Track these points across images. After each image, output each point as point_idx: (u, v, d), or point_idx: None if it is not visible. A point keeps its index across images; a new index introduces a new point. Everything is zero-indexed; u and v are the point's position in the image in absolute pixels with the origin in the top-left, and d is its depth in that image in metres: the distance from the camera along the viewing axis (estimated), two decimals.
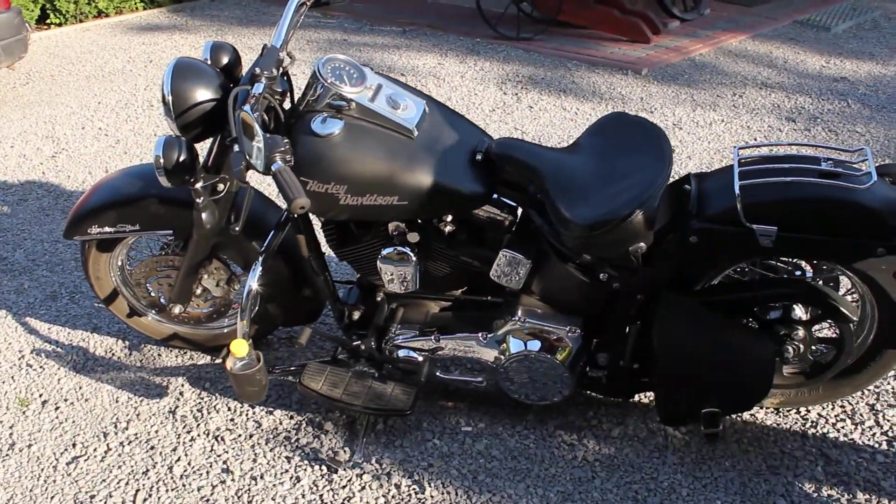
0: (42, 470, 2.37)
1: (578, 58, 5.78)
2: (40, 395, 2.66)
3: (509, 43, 6.14)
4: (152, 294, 2.65)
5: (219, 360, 2.76)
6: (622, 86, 5.29)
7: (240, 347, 2.15)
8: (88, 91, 5.61)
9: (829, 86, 5.09)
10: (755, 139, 4.40)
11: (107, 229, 2.47)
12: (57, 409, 2.60)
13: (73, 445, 2.44)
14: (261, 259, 2.24)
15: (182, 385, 2.66)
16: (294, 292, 2.53)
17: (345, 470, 2.28)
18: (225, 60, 2.29)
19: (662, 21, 6.33)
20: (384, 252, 2.20)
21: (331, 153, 2.04)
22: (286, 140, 1.82)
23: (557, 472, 2.25)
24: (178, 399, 2.60)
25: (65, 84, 5.77)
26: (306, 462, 2.32)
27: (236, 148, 1.83)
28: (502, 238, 2.21)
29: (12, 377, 2.75)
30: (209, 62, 2.26)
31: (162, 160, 2.07)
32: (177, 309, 2.57)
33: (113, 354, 2.84)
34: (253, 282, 2.23)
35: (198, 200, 2.21)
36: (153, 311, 2.73)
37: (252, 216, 2.42)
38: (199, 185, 2.18)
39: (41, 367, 2.79)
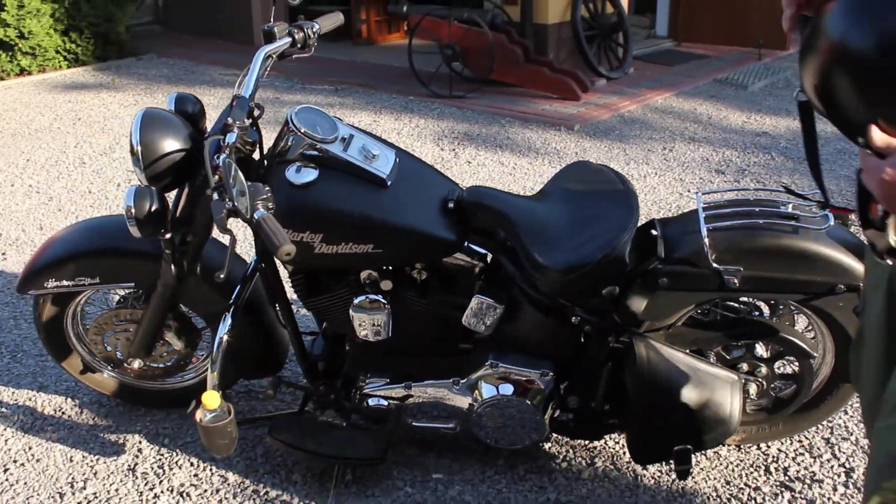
0: None
1: (511, 114, 5.93)
2: None
3: (442, 101, 6.27)
4: (108, 349, 2.59)
5: (170, 416, 2.70)
6: (556, 141, 5.43)
7: (211, 399, 2.12)
8: (15, 148, 5.49)
9: (752, 140, 5.33)
10: (688, 191, 4.56)
11: (64, 283, 2.42)
12: (6, 471, 2.50)
13: None
14: (231, 310, 2.23)
15: (139, 442, 2.59)
16: (257, 344, 2.51)
17: None
18: (190, 111, 2.29)
19: (590, 79, 6.56)
20: (356, 301, 2.21)
21: (306, 202, 2.05)
22: (267, 188, 1.83)
23: None
24: (137, 456, 2.53)
25: None
26: None
27: (215, 196, 1.82)
28: (473, 284, 2.24)
29: None
30: (174, 113, 2.25)
31: (133, 210, 2.04)
32: (136, 363, 2.52)
33: (63, 413, 2.75)
34: (224, 333, 2.21)
35: (167, 251, 2.19)
36: (109, 367, 2.66)
37: (213, 266, 2.40)
38: (168, 236, 2.16)
39: None
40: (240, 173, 1.77)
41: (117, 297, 2.61)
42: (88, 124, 5.97)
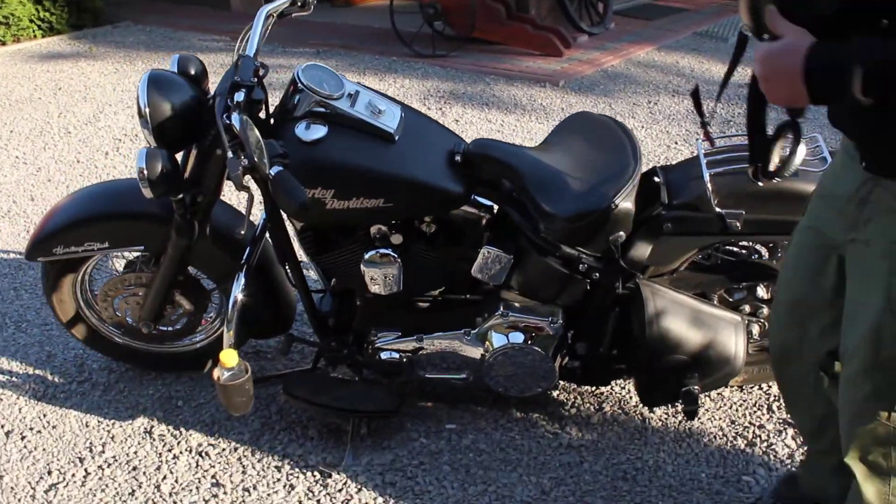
0: (19, 500, 2.30)
1: (496, 72, 5.93)
2: (2, 427, 2.58)
3: (425, 60, 6.25)
4: (118, 314, 2.61)
5: (181, 379, 2.73)
6: (542, 97, 5.45)
7: (229, 358, 2.15)
8: None
9: (735, 91, 5.36)
10: (675, 143, 4.61)
11: (73, 248, 2.43)
12: (23, 438, 2.52)
13: (49, 473, 2.38)
14: (244, 269, 2.26)
15: (153, 405, 2.63)
16: (267, 303, 2.54)
17: (338, 474, 2.30)
18: (193, 72, 2.29)
19: (572, 35, 6.55)
20: (367, 255, 2.24)
21: (317, 159, 2.07)
22: (281, 143, 1.86)
23: (546, 459, 2.33)
24: (152, 419, 2.57)
25: None
26: (297, 469, 2.33)
27: (230, 155, 1.85)
28: (481, 236, 2.27)
29: None
30: (178, 74, 2.26)
31: (146, 171, 2.06)
32: (146, 327, 2.54)
33: (73, 380, 2.78)
34: (238, 292, 2.24)
35: (178, 212, 2.21)
36: (119, 332, 2.68)
37: (221, 227, 2.43)
38: (179, 197, 2.18)
39: None
40: (256, 131, 1.79)
41: (125, 262, 2.62)
42: (69, 94, 5.90)
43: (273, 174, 1.75)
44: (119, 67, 6.52)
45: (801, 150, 1.49)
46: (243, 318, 2.40)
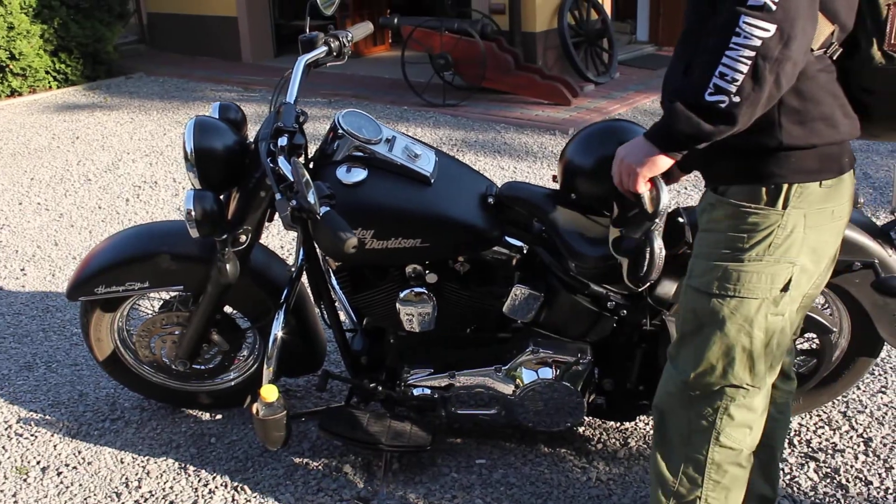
0: None
1: (506, 121, 6.08)
2: (38, 463, 2.64)
3: (437, 109, 6.40)
4: (154, 353, 2.68)
5: (214, 417, 2.80)
6: (552, 145, 5.59)
7: (270, 392, 2.23)
8: (17, 168, 5.55)
9: None
10: (685, 188, 4.72)
11: (114, 288, 2.51)
12: (59, 474, 2.58)
13: None
14: (283, 307, 2.34)
15: (186, 442, 2.69)
16: (299, 342, 2.61)
17: None
18: (232, 118, 2.41)
19: (579, 85, 6.72)
20: (403, 294, 2.32)
21: (357, 201, 2.17)
22: (328, 185, 1.95)
23: (575, 492, 2.39)
24: (186, 455, 2.63)
25: None
26: (332, 502, 2.38)
27: (278, 196, 1.94)
28: (512, 275, 2.36)
29: (3, 447, 2.71)
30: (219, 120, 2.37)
31: (193, 212, 2.15)
32: (182, 365, 2.61)
33: (106, 418, 2.84)
34: (278, 329, 2.32)
35: (221, 252, 2.30)
36: (154, 371, 2.75)
37: (259, 267, 2.52)
38: (224, 237, 2.27)
39: (32, 435, 2.77)
40: (307, 173, 1.88)
41: (161, 303, 2.70)
42: (87, 142, 6.04)
43: (322, 213, 1.84)
44: (134, 117, 6.66)
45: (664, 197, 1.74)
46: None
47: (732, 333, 1.69)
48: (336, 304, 2.47)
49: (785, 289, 1.67)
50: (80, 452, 2.68)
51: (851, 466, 2.44)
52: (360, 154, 2.23)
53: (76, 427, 2.81)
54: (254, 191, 2.27)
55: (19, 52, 7.30)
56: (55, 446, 2.71)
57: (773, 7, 1.39)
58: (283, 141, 2.12)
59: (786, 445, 2.54)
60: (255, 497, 2.43)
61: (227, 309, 2.63)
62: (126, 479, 2.54)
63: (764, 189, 1.61)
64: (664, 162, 1.62)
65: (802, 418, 2.65)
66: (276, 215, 2.38)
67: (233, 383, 2.75)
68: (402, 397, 2.47)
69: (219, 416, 2.80)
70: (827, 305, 2.48)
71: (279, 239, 4.09)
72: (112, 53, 8.12)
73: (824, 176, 1.62)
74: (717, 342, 1.71)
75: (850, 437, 2.57)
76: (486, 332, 2.46)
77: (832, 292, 2.39)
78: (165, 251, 2.49)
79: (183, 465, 2.59)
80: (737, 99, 1.44)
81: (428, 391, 2.45)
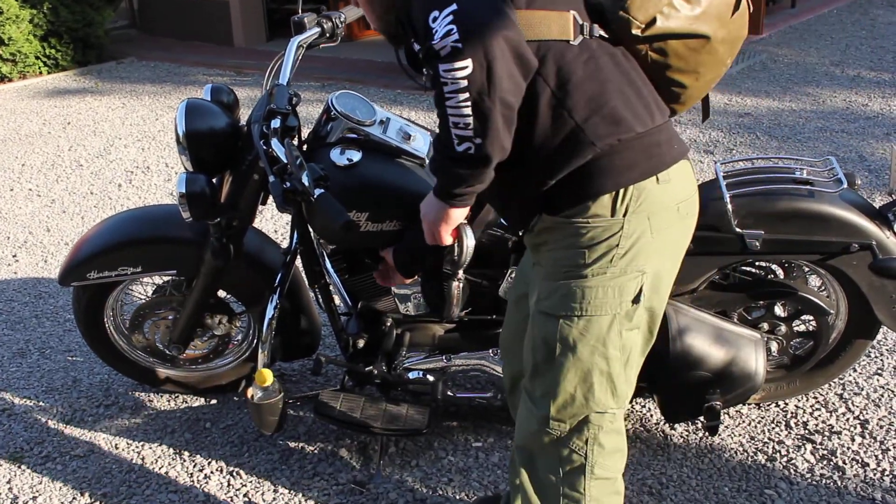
0: None
1: None
2: (32, 449, 2.62)
3: (431, 93, 6.35)
4: (147, 338, 2.67)
5: (208, 402, 2.79)
6: None
7: (265, 377, 2.21)
8: (7, 154, 5.52)
9: (736, 121, 5.49)
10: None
11: (106, 273, 2.49)
12: (54, 460, 2.57)
13: (81, 494, 2.42)
14: (278, 291, 2.32)
15: (181, 427, 2.68)
16: (294, 326, 2.60)
17: (369, 491, 2.35)
18: (225, 101, 2.38)
19: None
20: None
21: (351, 183, 2.15)
22: (322, 166, 1.93)
23: None
24: (181, 439, 2.62)
25: None
26: (329, 486, 2.38)
27: (272, 178, 1.92)
28: (508, 258, 2.35)
29: None
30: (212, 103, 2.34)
31: (186, 195, 2.13)
32: (176, 350, 2.60)
33: (100, 403, 2.83)
34: (272, 313, 2.30)
35: (215, 235, 2.28)
36: (147, 356, 2.73)
37: (253, 250, 2.50)
38: (217, 220, 2.25)
39: (26, 421, 2.75)
40: (301, 156, 1.86)
41: (154, 287, 2.69)
42: (79, 128, 6.00)
43: (317, 195, 1.81)
44: (126, 102, 6.62)
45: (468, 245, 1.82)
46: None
47: (586, 356, 1.63)
48: (330, 287, 2.46)
49: (636, 300, 1.62)
50: (74, 438, 2.67)
51: (848, 448, 2.44)
52: (354, 136, 2.21)
53: (70, 413, 2.79)
54: (247, 173, 2.25)
55: (8, 37, 7.24)
56: (49, 433, 2.70)
57: (461, 45, 1.39)
58: (276, 123, 2.09)
59: (782, 428, 2.54)
60: (250, 482, 2.42)
61: (221, 293, 2.62)
62: (121, 464, 2.53)
63: (597, 201, 1.56)
64: (457, 213, 1.66)
65: (799, 400, 2.64)
66: (270, 198, 2.38)
67: (227, 368, 2.74)
68: (398, 381, 2.46)
69: (213, 401, 2.79)
70: (824, 287, 2.47)
71: (272, 223, 4.07)
72: (103, 38, 8.05)
73: (655, 169, 1.58)
74: (571, 369, 1.64)
75: (847, 420, 2.56)
76: (483, 315, 2.45)
77: (829, 274, 2.38)
78: (158, 235, 2.48)
79: (178, 451, 2.58)
80: (479, 140, 1.46)
81: (424, 374, 2.45)
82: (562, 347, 1.65)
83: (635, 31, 1.59)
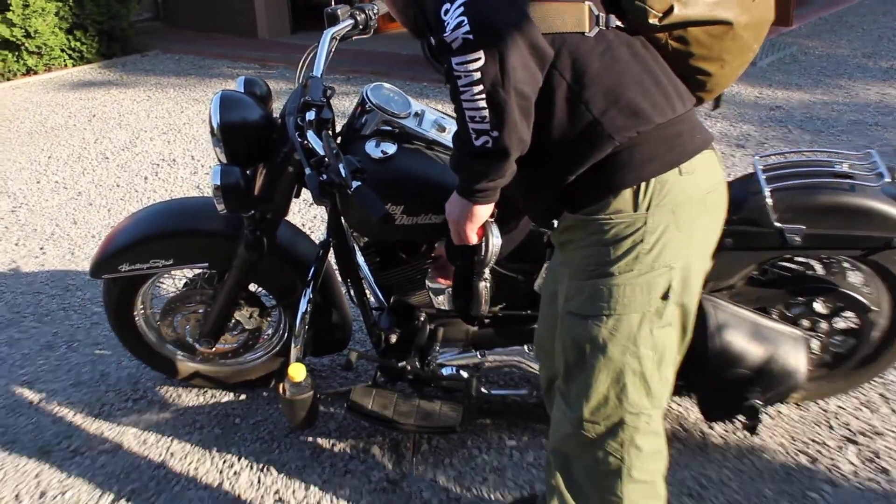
0: None
1: None
2: (59, 443, 2.61)
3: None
4: (178, 332, 2.65)
5: (238, 397, 2.77)
6: None
7: (297, 372, 2.19)
8: (34, 146, 5.53)
9: (767, 114, 5.42)
10: None
11: (138, 266, 2.48)
12: (82, 454, 2.56)
13: (109, 490, 2.41)
14: (311, 285, 2.30)
15: (210, 422, 2.66)
16: (325, 321, 2.58)
17: (402, 489, 2.32)
18: (258, 93, 2.36)
19: None
20: (432, 270, 2.28)
21: (386, 175, 2.12)
22: (359, 159, 1.90)
23: None
24: (210, 435, 2.60)
25: (6, 140, 5.68)
26: (361, 484, 2.35)
27: (308, 171, 1.89)
28: (543, 252, 2.31)
29: (25, 427, 2.69)
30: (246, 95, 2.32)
31: (221, 187, 2.11)
32: (206, 344, 2.58)
33: (129, 398, 2.82)
34: (305, 307, 2.28)
35: (249, 228, 2.26)
36: (178, 350, 2.72)
37: (286, 244, 2.48)
38: (251, 213, 2.23)
39: (54, 415, 2.75)
40: (338, 148, 1.83)
41: (184, 281, 2.67)
42: (104, 121, 6.01)
43: (354, 187, 1.79)
44: (151, 95, 6.63)
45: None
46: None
47: (617, 357, 1.59)
48: (363, 281, 2.43)
49: (666, 296, 1.58)
50: (102, 433, 2.65)
51: (893, 450, 2.39)
52: (389, 128, 2.18)
53: (98, 407, 2.78)
54: (281, 166, 2.23)
55: (35, 29, 7.27)
56: (77, 427, 2.69)
57: (472, 37, 1.38)
58: (310, 115, 2.06)
59: (823, 428, 2.49)
60: (281, 478, 2.40)
61: (253, 287, 2.59)
62: (149, 460, 2.52)
63: (619, 197, 1.53)
64: (482, 210, 1.63)
65: (840, 400, 2.59)
66: (303, 191, 2.36)
67: (249, 365, 2.72)
68: (431, 377, 2.43)
69: (243, 397, 2.77)
70: (867, 283, 2.42)
71: (300, 217, 4.05)
72: (127, 31, 8.09)
73: (677, 160, 1.54)
74: (603, 370, 1.61)
75: (891, 420, 2.51)
76: (518, 311, 2.41)
77: (872, 270, 2.32)
78: (190, 228, 2.46)
79: (207, 446, 2.56)
80: (496, 133, 1.45)
81: (457, 371, 2.41)
82: (592, 348, 1.61)
83: (652, 21, 1.53)
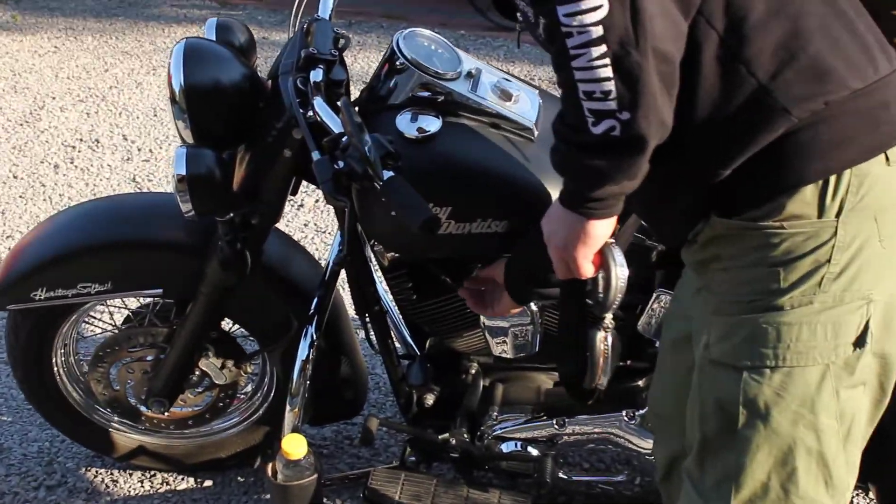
0: None
1: None
2: None
3: (509, 35, 6.39)
4: (115, 388, 2.71)
5: (200, 483, 2.83)
6: None
7: (295, 446, 2.25)
8: None
9: None
10: None
11: (60, 292, 2.51)
12: None
13: None
14: (315, 321, 2.35)
15: None
16: (330, 374, 2.64)
17: None
18: (237, 42, 2.38)
19: None
20: None
21: (428, 163, 2.16)
22: (390, 138, 1.95)
23: None
24: None
25: None
26: None
27: (315, 156, 1.94)
28: (651, 275, 2.36)
29: None
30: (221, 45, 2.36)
31: (187, 179, 2.15)
32: (158, 407, 2.63)
33: (40, 484, 2.89)
34: (305, 353, 2.34)
35: (226, 238, 2.29)
36: (115, 415, 2.78)
37: (276, 261, 2.54)
38: (230, 216, 2.28)
39: None
40: (361, 122, 1.87)
41: (127, 314, 2.72)
42: None
43: (386, 179, 1.82)
44: (60, 45, 6.73)
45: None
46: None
47: (785, 428, 1.59)
48: (387, 317, 2.49)
49: (860, 343, 1.58)
50: None
51: None
52: (430, 95, 2.23)
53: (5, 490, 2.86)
54: (273, 148, 2.25)
55: None
56: None
57: None
58: (317, 75, 2.11)
59: None
60: None
61: (226, 324, 2.67)
62: None
63: (796, 196, 1.53)
64: (601, 228, 1.62)
65: None
66: (301, 187, 2.40)
67: (231, 433, 2.79)
68: (486, 455, 2.49)
69: (208, 483, 2.84)
70: None
71: (286, 224, 4.10)
72: None
73: (885, 143, 1.53)
74: (764, 446, 1.61)
75: None
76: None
77: None
78: (137, 238, 2.52)
79: None
80: (626, 114, 1.41)
81: (524, 446, 2.47)
82: (748, 414, 1.62)
83: None
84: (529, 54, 6.13)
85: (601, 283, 1.76)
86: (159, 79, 5.98)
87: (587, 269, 1.70)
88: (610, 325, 1.88)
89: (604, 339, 1.87)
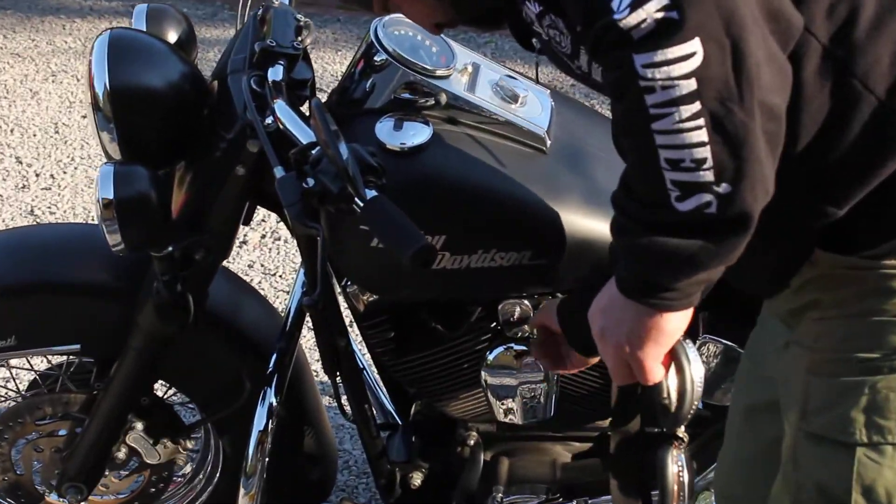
0: None
1: None
2: None
3: (502, 32, 6.40)
4: (19, 472, 2.70)
5: None
6: None
7: None
8: None
9: None
10: None
11: None
12: None
13: None
14: (275, 381, 2.35)
15: None
16: (293, 449, 2.63)
17: None
18: (173, 33, 2.40)
19: None
20: (492, 355, 2.32)
21: (414, 182, 2.17)
22: (371, 149, 1.95)
23: None
24: None
25: None
26: None
27: (278, 173, 1.93)
28: (695, 319, 2.36)
29: None
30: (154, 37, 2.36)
31: (116, 204, 2.14)
32: (74, 494, 2.62)
33: None
34: (264, 419, 2.34)
35: (163, 277, 2.28)
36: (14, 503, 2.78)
37: (224, 307, 2.55)
38: (169, 250, 2.27)
39: None
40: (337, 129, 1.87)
41: (33, 376, 2.71)
42: None
43: (368, 199, 1.80)
44: None
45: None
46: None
47: None
48: (362, 376, 2.49)
49: None
50: None
51: None
52: (417, 97, 2.24)
53: None
54: (221, 164, 2.23)
55: None
56: None
57: (678, 16, 1.29)
58: (276, 73, 2.11)
59: None
60: None
61: (160, 388, 2.66)
62: None
63: None
64: (676, 323, 1.59)
65: None
66: (254, 215, 2.41)
67: None
68: None
69: None
70: None
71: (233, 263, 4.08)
72: None
73: None
74: None
75: None
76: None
77: None
78: (48, 279, 2.52)
79: None
80: (727, 187, 1.37)
81: None
82: (863, 502, 1.63)
83: None
84: (523, 52, 6.15)
85: (671, 388, 1.71)
86: (60, 87, 5.97)
87: (657, 373, 1.65)
88: (684, 441, 1.86)
89: (677, 460, 1.86)
